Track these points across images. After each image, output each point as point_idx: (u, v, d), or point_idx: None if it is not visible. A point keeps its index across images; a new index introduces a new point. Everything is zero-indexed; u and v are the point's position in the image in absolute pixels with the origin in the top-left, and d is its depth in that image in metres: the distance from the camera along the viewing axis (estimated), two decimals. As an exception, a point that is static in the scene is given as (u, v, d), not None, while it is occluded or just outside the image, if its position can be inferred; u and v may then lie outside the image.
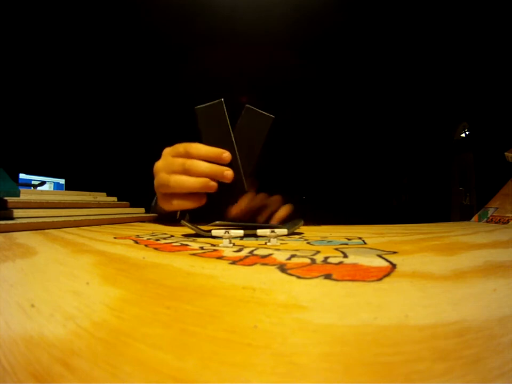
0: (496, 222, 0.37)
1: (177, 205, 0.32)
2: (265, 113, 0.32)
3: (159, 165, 0.33)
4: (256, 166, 0.32)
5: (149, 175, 0.35)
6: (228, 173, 0.30)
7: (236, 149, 0.31)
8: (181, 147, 0.32)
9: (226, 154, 0.30)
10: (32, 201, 0.33)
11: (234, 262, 0.14)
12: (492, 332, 0.07)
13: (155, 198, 0.34)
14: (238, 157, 0.31)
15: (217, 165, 0.30)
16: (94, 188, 0.48)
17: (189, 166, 0.30)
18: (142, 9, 1.00)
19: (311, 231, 0.29)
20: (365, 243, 0.20)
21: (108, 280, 0.11)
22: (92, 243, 0.20)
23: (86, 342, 0.07)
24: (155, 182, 0.33)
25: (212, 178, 0.30)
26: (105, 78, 1.24)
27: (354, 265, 0.13)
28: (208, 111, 0.31)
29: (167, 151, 0.33)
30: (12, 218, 0.29)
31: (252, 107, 0.32)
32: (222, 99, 0.31)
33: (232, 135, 0.31)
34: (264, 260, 0.14)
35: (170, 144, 0.34)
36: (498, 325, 0.07)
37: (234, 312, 0.08)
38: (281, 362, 0.06)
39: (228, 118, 0.31)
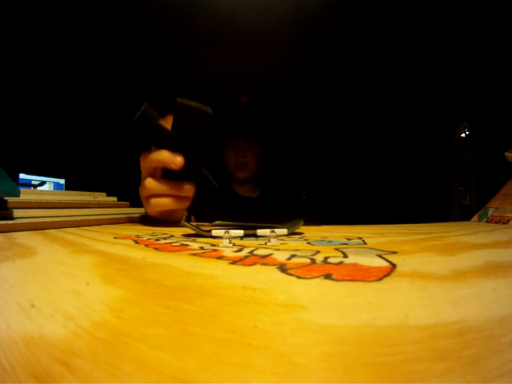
0: (496, 222, 0.37)
1: (156, 204, 0.33)
2: (199, 107, 0.31)
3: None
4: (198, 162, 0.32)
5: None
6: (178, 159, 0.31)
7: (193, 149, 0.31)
8: (144, 157, 0.33)
9: (179, 159, 0.31)
10: (32, 201, 0.33)
11: (234, 262, 0.14)
12: (492, 332, 0.07)
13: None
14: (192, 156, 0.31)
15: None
16: (94, 188, 0.48)
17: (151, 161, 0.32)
18: (142, 9, 1.00)
19: (311, 231, 0.29)
20: (365, 243, 0.20)
21: (108, 280, 0.11)
22: (92, 243, 0.20)
23: (86, 342, 0.07)
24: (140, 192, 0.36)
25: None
26: (105, 78, 1.24)
27: (354, 265, 0.13)
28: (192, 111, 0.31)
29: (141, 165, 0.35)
30: (12, 218, 0.29)
31: (184, 102, 0.30)
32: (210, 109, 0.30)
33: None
34: (264, 260, 0.14)
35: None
36: (498, 325, 0.07)
37: (234, 312, 0.08)
38: (281, 362, 0.06)
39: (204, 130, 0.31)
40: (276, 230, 0.21)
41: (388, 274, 0.11)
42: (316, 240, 0.21)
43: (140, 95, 0.30)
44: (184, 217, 0.43)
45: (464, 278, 0.11)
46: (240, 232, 0.21)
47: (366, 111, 1.38)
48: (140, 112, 0.30)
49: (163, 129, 0.30)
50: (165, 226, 0.33)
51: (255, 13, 0.99)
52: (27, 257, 0.15)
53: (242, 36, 1.03)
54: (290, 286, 0.10)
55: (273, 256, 0.15)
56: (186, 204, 0.34)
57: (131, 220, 0.41)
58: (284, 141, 1.16)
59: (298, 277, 0.11)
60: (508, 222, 0.35)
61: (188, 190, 0.32)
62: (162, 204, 0.33)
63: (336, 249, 0.17)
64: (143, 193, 0.35)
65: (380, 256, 0.15)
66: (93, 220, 0.35)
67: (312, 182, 1.25)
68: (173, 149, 0.31)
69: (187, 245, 0.19)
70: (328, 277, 0.11)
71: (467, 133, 1.43)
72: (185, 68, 1.12)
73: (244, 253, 0.16)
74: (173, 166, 0.30)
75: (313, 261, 0.14)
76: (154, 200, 0.33)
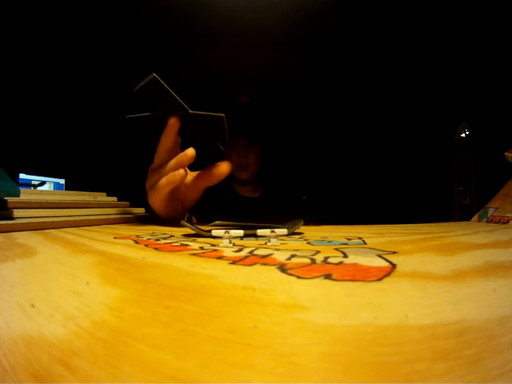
0: (496, 222, 0.37)
1: (158, 187, 0.33)
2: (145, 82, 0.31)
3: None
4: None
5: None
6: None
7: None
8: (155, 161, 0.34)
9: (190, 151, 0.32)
10: (32, 201, 0.33)
11: (234, 262, 0.14)
12: (492, 332, 0.07)
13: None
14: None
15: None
16: (94, 188, 0.48)
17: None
18: (142, 9, 1.00)
19: (311, 231, 0.29)
20: (365, 243, 0.20)
21: (108, 280, 0.11)
22: (92, 243, 0.20)
23: (86, 342, 0.07)
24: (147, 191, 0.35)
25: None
26: (105, 78, 1.24)
27: (354, 265, 0.13)
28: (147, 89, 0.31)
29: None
30: (12, 218, 0.29)
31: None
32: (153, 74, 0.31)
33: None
34: (264, 260, 0.14)
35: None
36: (498, 325, 0.07)
37: (234, 312, 0.08)
38: (281, 362, 0.06)
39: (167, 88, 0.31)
40: (275, 230, 0.21)
41: (388, 274, 0.11)
42: (316, 240, 0.21)
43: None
44: (185, 218, 0.43)
45: (464, 278, 0.11)
46: (240, 232, 0.21)
47: (366, 111, 1.38)
48: (149, 79, 0.30)
49: (171, 95, 0.31)
50: (165, 226, 0.33)
51: (255, 13, 0.99)
52: (27, 257, 0.15)
53: (242, 35, 1.03)
54: (290, 286, 0.10)
55: (273, 256, 0.15)
56: (182, 174, 0.33)
57: (131, 220, 0.41)
58: (285, 141, 1.16)
59: (298, 277, 0.11)
60: (508, 222, 0.35)
61: (186, 153, 0.33)
62: (163, 182, 0.33)
63: (336, 249, 0.17)
64: (148, 182, 0.34)
65: (380, 256, 0.15)
66: (93, 219, 0.35)
67: (312, 182, 1.25)
68: (174, 112, 0.32)
69: (187, 245, 0.19)
70: (328, 277, 0.11)
71: (467, 133, 1.43)
72: (185, 68, 1.12)
73: (244, 253, 0.16)
74: (173, 126, 0.31)
75: (313, 261, 0.14)
76: (157, 185, 0.33)
